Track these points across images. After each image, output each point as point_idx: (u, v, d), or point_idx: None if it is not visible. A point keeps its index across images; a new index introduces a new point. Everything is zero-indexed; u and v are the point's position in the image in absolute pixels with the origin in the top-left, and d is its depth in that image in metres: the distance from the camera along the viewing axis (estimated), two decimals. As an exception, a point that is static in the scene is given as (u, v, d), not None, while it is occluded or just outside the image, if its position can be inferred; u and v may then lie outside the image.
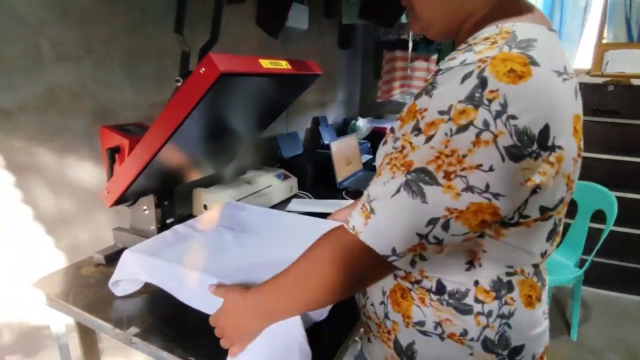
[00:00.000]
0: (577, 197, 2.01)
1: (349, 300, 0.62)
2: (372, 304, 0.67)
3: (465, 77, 0.45)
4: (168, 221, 1.16)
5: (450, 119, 0.44)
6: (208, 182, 1.50)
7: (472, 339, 0.58)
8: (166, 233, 0.98)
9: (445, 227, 0.47)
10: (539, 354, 0.62)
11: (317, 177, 1.87)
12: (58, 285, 0.98)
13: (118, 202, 0.97)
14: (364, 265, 0.52)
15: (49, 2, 1.00)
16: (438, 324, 0.59)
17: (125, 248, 0.90)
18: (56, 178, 1.07)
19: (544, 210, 0.51)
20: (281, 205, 1.59)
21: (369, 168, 2.21)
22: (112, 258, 1.06)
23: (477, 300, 0.57)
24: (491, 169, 0.44)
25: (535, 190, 0.48)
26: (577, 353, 1.97)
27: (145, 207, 1.09)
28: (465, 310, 0.57)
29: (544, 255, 0.60)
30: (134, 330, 0.82)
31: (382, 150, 0.59)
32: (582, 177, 2.10)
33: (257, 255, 0.89)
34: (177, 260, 0.84)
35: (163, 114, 0.77)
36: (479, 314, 0.57)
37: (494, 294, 0.57)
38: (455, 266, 0.58)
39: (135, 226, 1.14)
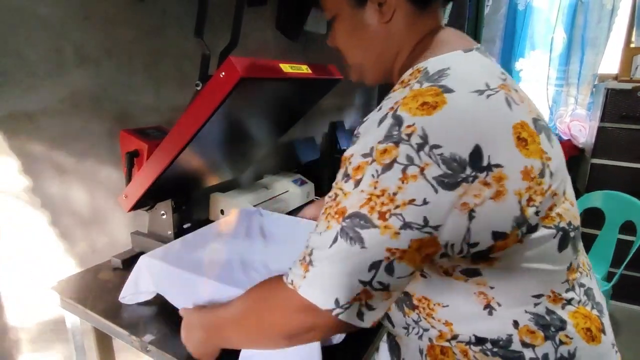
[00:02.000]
0: (604, 207, 1.93)
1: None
2: None
3: (381, 120, 0.46)
4: (185, 226, 1.15)
5: (373, 160, 0.44)
6: (225, 187, 1.49)
7: None
8: (184, 239, 0.97)
9: (390, 269, 0.44)
10: None
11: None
12: (76, 289, 0.98)
13: (136, 206, 0.96)
14: (306, 320, 0.48)
15: (71, 6, 1.00)
16: None
17: (142, 252, 0.89)
18: (76, 181, 1.08)
19: (498, 235, 0.46)
20: (298, 211, 1.57)
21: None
22: (130, 262, 1.05)
23: (524, 344, 0.50)
24: (425, 202, 0.42)
25: (471, 215, 0.44)
26: (603, 370, 1.88)
27: (162, 212, 1.08)
28: (515, 358, 0.51)
29: (569, 268, 0.53)
30: (149, 337, 0.80)
31: None
32: (609, 187, 2.03)
33: (273, 263, 0.87)
34: (195, 269, 0.82)
35: (182, 119, 0.76)
36: None
37: (542, 333, 0.51)
38: (476, 317, 0.52)
39: (152, 231, 1.14)
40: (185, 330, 0.71)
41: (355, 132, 0.50)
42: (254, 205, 1.39)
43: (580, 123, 2.56)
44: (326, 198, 0.50)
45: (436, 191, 0.42)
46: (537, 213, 0.48)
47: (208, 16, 0.93)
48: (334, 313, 0.46)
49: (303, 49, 1.93)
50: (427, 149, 0.42)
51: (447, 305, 0.54)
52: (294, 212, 1.54)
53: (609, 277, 1.88)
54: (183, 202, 1.13)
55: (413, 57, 0.56)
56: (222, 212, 1.39)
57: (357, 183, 0.45)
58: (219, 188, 1.46)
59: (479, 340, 0.53)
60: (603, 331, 0.54)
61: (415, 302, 0.58)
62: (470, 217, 0.44)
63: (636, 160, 2.20)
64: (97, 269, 1.08)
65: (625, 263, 1.72)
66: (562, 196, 0.52)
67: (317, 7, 1.63)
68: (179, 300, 0.82)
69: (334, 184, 0.49)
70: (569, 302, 0.53)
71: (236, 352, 0.70)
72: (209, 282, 0.78)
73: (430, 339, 0.57)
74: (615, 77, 2.30)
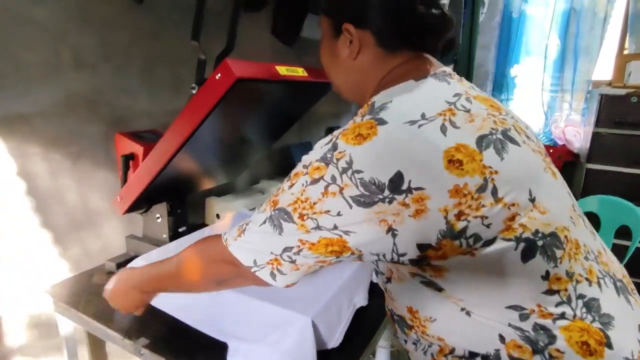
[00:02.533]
0: (600, 212, 1.94)
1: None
2: None
3: (324, 144, 0.55)
4: (180, 229, 1.14)
5: (307, 173, 0.53)
6: (221, 191, 1.49)
7: None
8: (179, 241, 0.97)
9: (298, 252, 0.55)
10: None
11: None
12: (69, 292, 0.97)
13: (130, 209, 0.96)
14: (232, 271, 0.61)
15: (68, 10, 1.01)
16: None
17: (137, 256, 0.89)
18: (71, 184, 1.07)
19: (424, 247, 0.51)
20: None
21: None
22: (124, 266, 1.04)
23: (512, 359, 0.51)
24: (339, 214, 0.51)
25: (393, 232, 0.50)
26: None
27: (158, 215, 1.08)
28: None
29: (548, 278, 0.51)
30: (143, 341, 0.80)
31: None
32: (604, 191, 2.04)
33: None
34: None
35: (177, 121, 0.76)
36: None
37: (529, 347, 0.50)
38: (461, 325, 0.55)
39: (147, 234, 1.13)
40: (116, 289, 0.78)
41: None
42: (250, 210, 1.38)
43: (575, 128, 2.58)
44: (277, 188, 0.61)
45: (351, 207, 0.50)
46: (488, 226, 0.49)
47: (205, 21, 0.93)
48: (252, 270, 0.58)
49: (298, 54, 1.95)
50: (349, 172, 0.50)
51: (435, 320, 0.57)
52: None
53: (605, 281, 1.87)
54: (178, 206, 1.12)
55: (378, 89, 0.62)
56: (217, 216, 1.39)
57: (291, 186, 0.54)
58: (215, 192, 1.46)
59: (472, 355, 0.55)
60: (609, 345, 0.51)
61: (409, 322, 0.61)
62: (393, 235, 0.50)
63: (631, 165, 2.21)
64: (91, 273, 1.07)
65: (620, 267, 1.73)
66: (526, 206, 0.52)
67: (313, 13, 1.65)
68: (174, 307, 0.81)
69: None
70: (562, 316, 0.51)
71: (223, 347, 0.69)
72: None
73: (432, 355, 0.60)
74: (609, 83, 2.32)
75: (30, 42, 0.95)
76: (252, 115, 0.95)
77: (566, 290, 0.52)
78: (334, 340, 0.76)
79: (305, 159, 0.56)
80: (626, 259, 1.73)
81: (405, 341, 0.66)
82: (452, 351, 0.57)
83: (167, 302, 0.82)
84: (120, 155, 0.99)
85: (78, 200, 1.09)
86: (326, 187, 0.51)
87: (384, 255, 0.53)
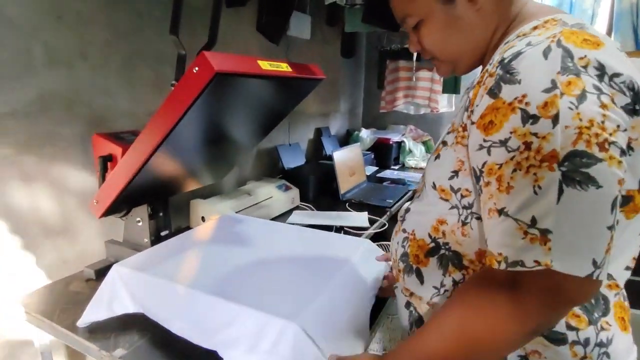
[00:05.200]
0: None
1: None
2: None
3: (546, 52, 0.43)
4: (163, 233, 1.10)
5: (562, 93, 0.40)
6: (207, 193, 1.45)
7: None
8: (157, 247, 0.92)
9: (622, 204, 0.42)
10: None
11: (319, 189, 1.81)
12: (44, 302, 0.92)
13: (108, 212, 0.91)
14: (564, 302, 0.43)
15: (42, 6, 0.96)
16: (524, 358, 0.52)
17: (117, 262, 0.84)
18: (47, 187, 1.02)
19: None
20: (282, 217, 1.53)
21: (374, 180, 2.16)
22: (103, 272, 0.99)
23: (569, 327, 0.50)
24: (624, 129, 0.41)
25: (629, 151, 0.43)
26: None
27: (138, 219, 1.04)
28: (559, 340, 0.50)
29: (635, 258, 0.53)
30: (120, 352, 0.75)
31: (432, 167, 0.58)
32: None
33: (254, 271, 0.83)
34: (169, 277, 0.77)
35: (154, 118, 0.72)
36: (574, 343, 0.49)
37: (586, 317, 0.50)
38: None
39: (128, 239, 1.08)
40: None
41: (502, 71, 0.45)
42: (237, 212, 1.34)
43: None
44: (494, 158, 0.44)
45: (629, 117, 0.42)
46: None
47: (187, 18, 0.90)
48: (594, 276, 0.40)
49: (285, 53, 1.91)
50: (606, 79, 0.41)
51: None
52: (278, 219, 1.50)
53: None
54: (161, 208, 1.08)
55: (507, 33, 0.56)
56: (203, 219, 1.34)
57: (555, 119, 0.40)
58: (201, 194, 1.42)
59: None
60: (630, 322, 0.55)
61: (466, 262, 0.56)
62: (629, 155, 0.43)
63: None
64: (68, 281, 1.02)
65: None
66: None
67: (299, 10, 1.62)
68: (160, 314, 0.77)
69: (507, 133, 0.43)
70: (619, 291, 0.54)
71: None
72: (191, 291, 0.73)
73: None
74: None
75: (0, 39, 0.90)
76: (236, 111, 0.91)
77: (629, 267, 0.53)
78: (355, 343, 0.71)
79: (535, 80, 0.42)
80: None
81: (423, 282, 0.60)
82: None
83: (153, 307, 0.77)
84: (98, 157, 0.94)
85: (53, 205, 1.04)
86: (599, 99, 0.40)
87: None
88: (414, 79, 2.61)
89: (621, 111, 0.41)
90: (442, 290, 0.59)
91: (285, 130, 2.08)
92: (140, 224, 1.03)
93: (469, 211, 0.54)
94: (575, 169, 0.39)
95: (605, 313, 0.51)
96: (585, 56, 0.41)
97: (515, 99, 0.42)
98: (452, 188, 0.55)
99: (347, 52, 2.55)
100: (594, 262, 0.40)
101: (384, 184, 2.09)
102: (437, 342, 0.50)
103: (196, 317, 0.72)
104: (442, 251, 0.58)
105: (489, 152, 0.45)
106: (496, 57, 0.50)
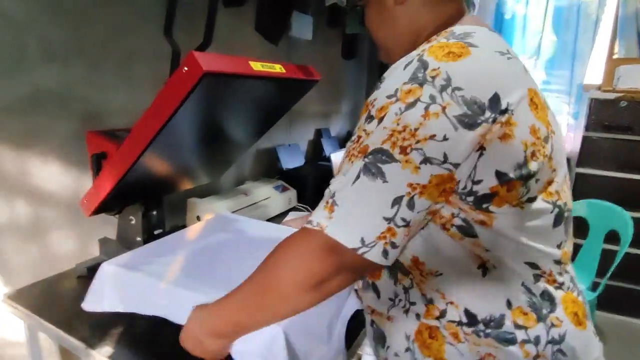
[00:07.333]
0: (589, 216, 1.92)
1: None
2: (396, 354, 0.59)
3: (407, 65, 0.48)
4: (156, 232, 1.10)
5: (397, 100, 0.46)
6: (204, 193, 1.44)
7: None
8: (147, 246, 0.92)
9: (411, 205, 0.46)
10: None
11: (317, 190, 1.81)
12: (34, 298, 0.92)
13: (98, 210, 0.91)
14: (331, 264, 0.47)
15: (38, 0, 0.96)
16: None
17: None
18: (39, 184, 1.02)
19: (501, 176, 0.47)
20: (279, 218, 1.53)
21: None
22: (95, 270, 0.99)
23: (517, 326, 0.51)
24: (445, 139, 0.44)
25: (481, 151, 0.46)
26: (590, 382, 1.85)
27: (131, 217, 1.03)
28: (507, 340, 0.51)
29: (560, 246, 0.54)
30: (108, 350, 0.75)
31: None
32: (593, 195, 2.02)
33: (246, 270, 0.83)
34: (157, 276, 0.77)
35: (144, 117, 0.72)
36: (524, 342, 0.51)
37: (534, 315, 0.51)
38: (470, 283, 0.53)
39: (121, 237, 1.08)
40: (190, 341, 0.61)
41: (380, 78, 0.52)
42: (233, 212, 1.34)
43: (567, 132, 2.58)
44: (348, 143, 0.51)
45: (456, 129, 0.44)
46: (536, 181, 0.50)
47: (184, 17, 0.89)
48: (359, 252, 0.46)
49: (287, 54, 1.91)
50: (449, 90, 0.45)
51: (441, 274, 0.54)
52: (274, 219, 1.50)
53: (593, 287, 1.86)
54: (154, 207, 1.08)
55: (435, 32, 0.58)
56: (198, 218, 1.34)
57: (380, 120, 0.46)
58: (197, 193, 1.41)
59: (471, 320, 0.53)
60: (587, 317, 0.56)
61: (407, 268, 0.58)
62: (481, 154, 0.46)
63: (619, 169, 2.20)
64: (60, 278, 1.02)
65: (609, 273, 1.71)
66: (560, 176, 0.54)
67: (299, 10, 1.61)
68: (147, 312, 0.76)
69: (356, 129, 0.51)
70: (561, 285, 0.55)
71: None
72: (178, 290, 0.73)
73: (418, 315, 0.56)
74: (599, 88, 2.31)
75: (-6, 33, 0.90)
76: (230, 111, 0.90)
77: (566, 263, 0.57)
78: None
79: (386, 88, 0.48)
80: (615, 263, 1.71)
81: (379, 296, 0.61)
82: (444, 314, 0.54)
83: (140, 304, 0.77)
84: (91, 154, 0.94)
85: (46, 202, 1.04)
86: (426, 108, 0.45)
87: (458, 182, 0.48)
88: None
89: (449, 120, 0.44)
90: (396, 301, 0.59)
91: (284, 131, 2.07)
92: (133, 222, 1.03)
93: None
94: (374, 162, 0.46)
95: (552, 309, 0.52)
96: (439, 68, 0.46)
97: (371, 101, 0.50)
98: None
99: (349, 53, 2.54)
100: (362, 240, 0.45)
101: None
102: (239, 291, 0.55)
103: (182, 316, 0.71)
104: None
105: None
106: None
